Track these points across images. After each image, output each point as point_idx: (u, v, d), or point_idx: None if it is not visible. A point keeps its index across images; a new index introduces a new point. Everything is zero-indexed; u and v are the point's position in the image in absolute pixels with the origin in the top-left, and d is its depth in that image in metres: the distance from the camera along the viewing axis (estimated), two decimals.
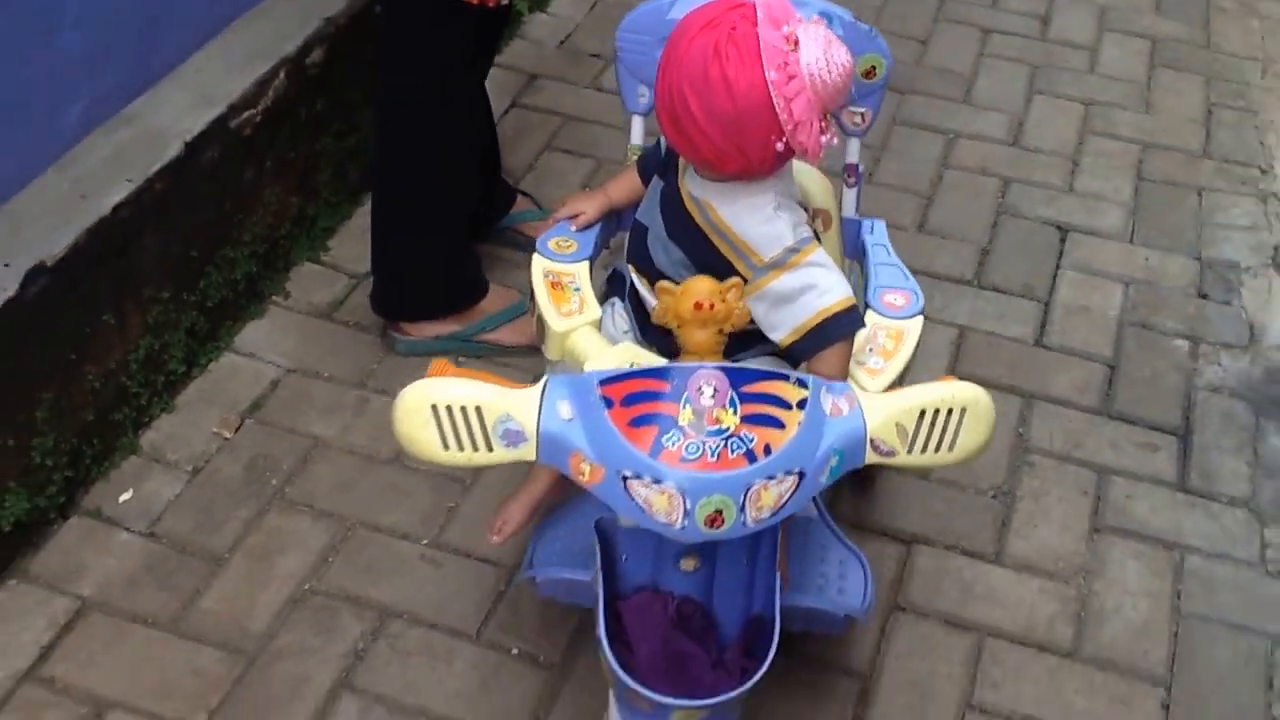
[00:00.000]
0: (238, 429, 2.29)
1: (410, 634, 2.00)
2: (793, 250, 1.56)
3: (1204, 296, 2.68)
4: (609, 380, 1.35)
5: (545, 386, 1.36)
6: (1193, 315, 2.64)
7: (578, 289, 1.72)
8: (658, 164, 1.75)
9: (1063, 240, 2.80)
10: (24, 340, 1.96)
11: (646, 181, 1.79)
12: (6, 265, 1.94)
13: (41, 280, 1.96)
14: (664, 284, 1.49)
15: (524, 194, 2.72)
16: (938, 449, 1.38)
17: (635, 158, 1.90)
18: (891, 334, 1.68)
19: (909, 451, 1.37)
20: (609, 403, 1.34)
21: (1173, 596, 2.12)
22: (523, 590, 2.05)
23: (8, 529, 2.00)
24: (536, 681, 1.94)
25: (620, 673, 1.38)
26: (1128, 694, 1.98)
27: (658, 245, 1.66)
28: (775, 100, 1.42)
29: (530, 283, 1.75)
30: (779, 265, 1.54)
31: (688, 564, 1.50)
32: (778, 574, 1.49)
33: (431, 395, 1.33)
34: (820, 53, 1.44)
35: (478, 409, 1.33)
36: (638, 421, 1.32)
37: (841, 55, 1.46)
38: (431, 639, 2.00)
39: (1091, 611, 2.09)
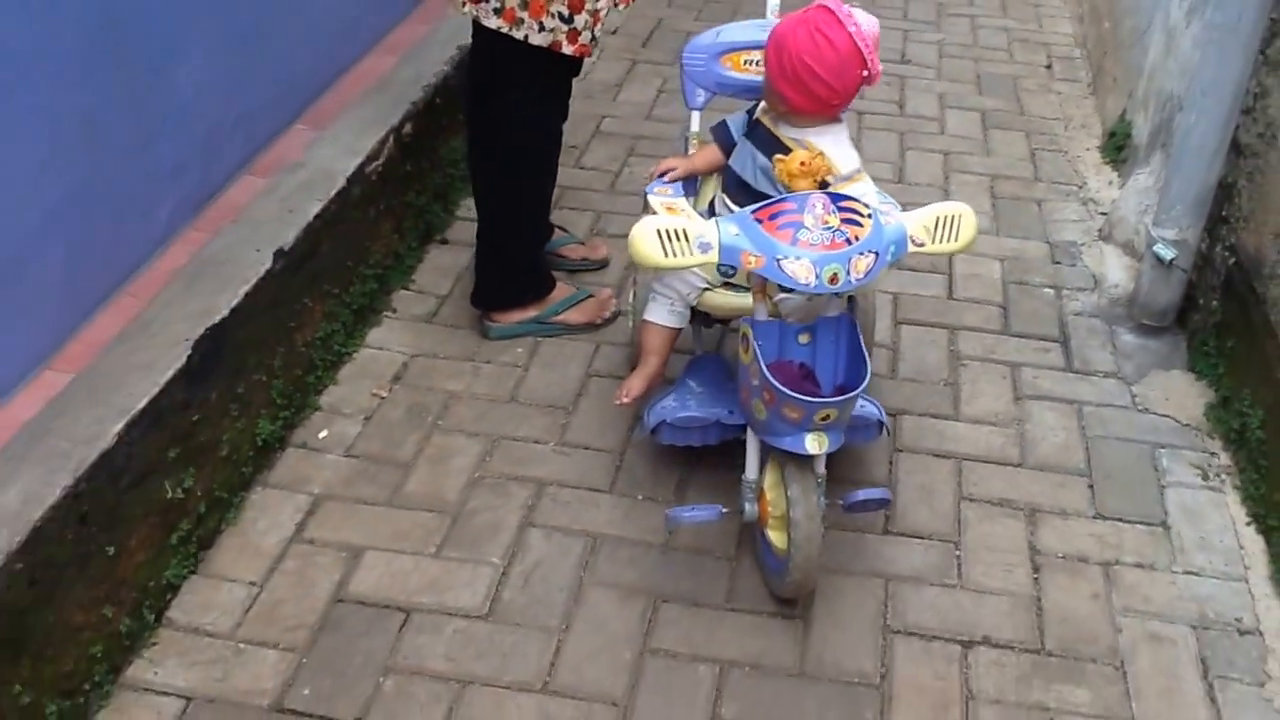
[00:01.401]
0: (390, 391, 3.04)
1: (563, 493, 2.76)
2: (857, 169, 2.47)
3: (1057, 263, 3.69)
4: (757, 209, 2.22)
5: (717, 221, 2.22)
6: (1052, 274, 3.63)
7: (683, 209, 2.59)
8: (730, 135, 2.65)
9: None
10: (272, 305, 2.72)
11: (726, 150, 2.67)
12: (258, 251, 2.71)
13: (281, 261, 2.74)
14: (778, 155, 2.38)
15: (559, 227, 3.57)
16: (950, 240, 2.27)
17: (697, 141, 2.81)
18: None
19: (933, 242, 2.27)
20: (760, 221, 2.20)
21: (1080, 429, 3.02)
22: (635, 461, 2.85)
23: (260, 445, 2.71)
24: (660, 514, 2.71)
25: (785, 390, 2.21)
26: (1063, 481, 2.86)
27: (762, 178, 2.51)
28: (858, 43, 2.35)
29: (648, 209, 2.61)
30: (849, 177, 2.45)
31: (804, 337, 2.35)
32: (865, 354, 2.34)
33: (656, 224, 2.16)
34: (865, 17, 2.39)
35: (684, 231, 2.17)
36: (781, 227, 2.18)
37: (872, 18, 2.41)
38: (579, 495, 2.76)
39: (1027, 440, 2.98)
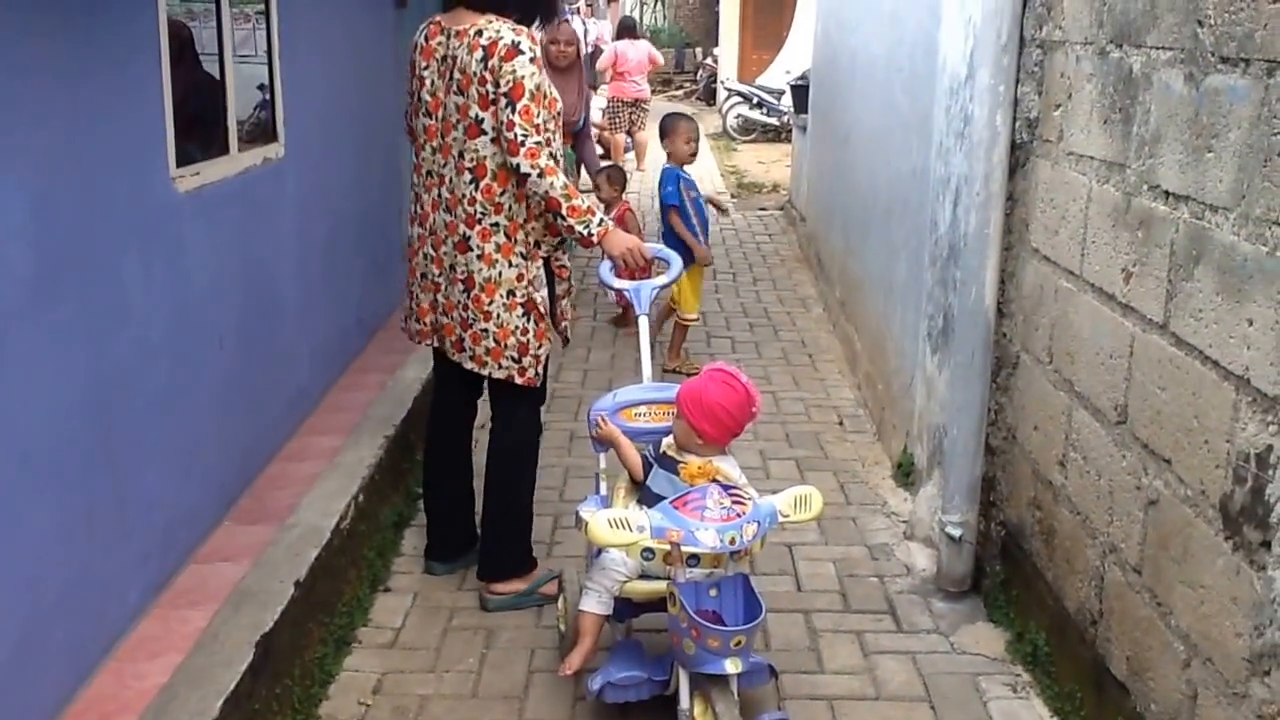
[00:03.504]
0: (373, 700, 3.73)
1: None
2: (746, 483, 3.45)
3: (876, 559, 4.69)
4: (673, 499, 3.15)
5: (646, 512, 3.13)
6: (874, 567, 4.62)
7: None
8: (650, 465, 3.60)
9: (791, 551, 4.75)
10: (293, 625, 3.44)
11: (645, 474, 3.61)
12: (281, 582, 3.46)
13: (299, 590, 3.49)
14: (681, 465, 3.33)
15: None
16: (806, 511, 3.24)
17: (606, 477, 3.77)
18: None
19: (795, 513, 3.22)
20: (676, 508, 3.13)
21: (916, 670, 3.91)
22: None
23: None
24: None
25: (710, 625, 3.05)
26: (911, 706, 3.71)
27: (679, 491, 3.45)
28: (750, 391, 3.38)
29: (579, 521, 3.50)
30: (742, 486, 3.42)
31: (713, 592, 3.22)
32: (759, 599, 3.22)
33: (606, 515, 3.07)
34: (746, 376, 3.44)
35: (626, 519, 3.07)
36: (691, 510, 3.11)
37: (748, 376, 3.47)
38: None
39: (878, 681, 3.85)
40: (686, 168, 7.12)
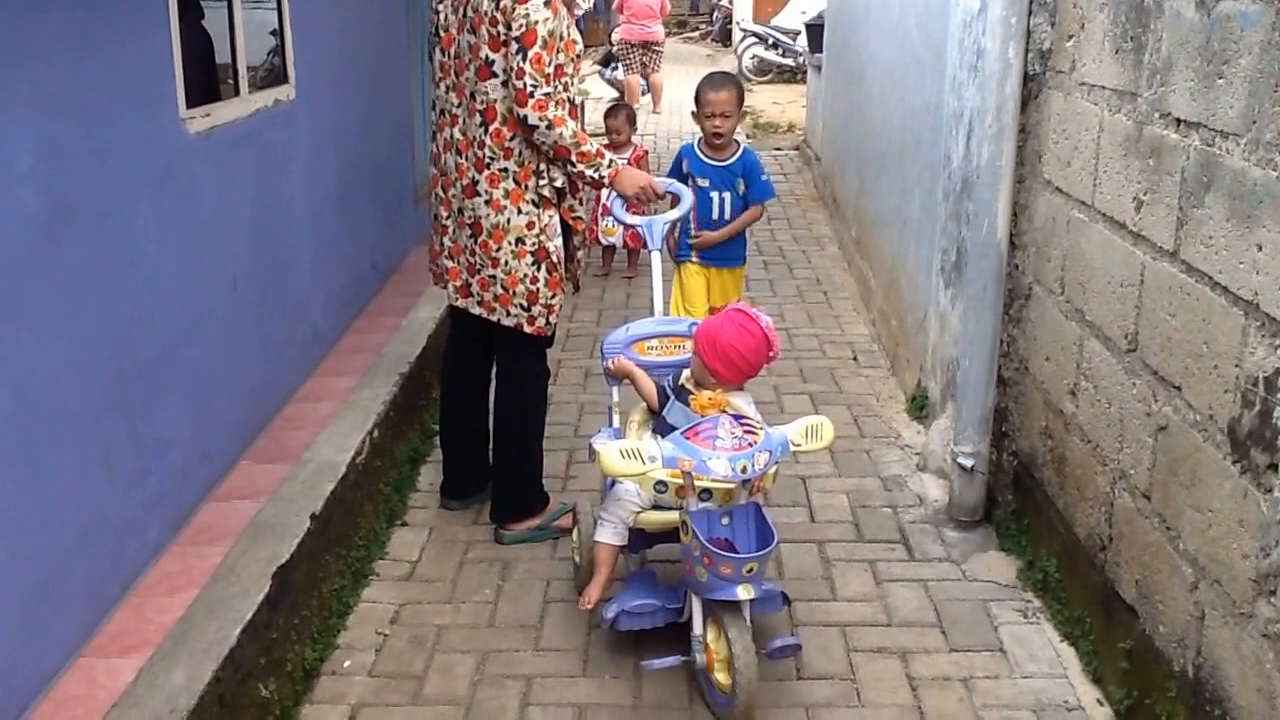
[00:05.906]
0: (391, 630, 3.79)
1: (547, 682, 3.52)
2: (758, 414, 3.47)
3: (889, 490, 4.72)
4: (684, 430, 3.18)
5: (658, 442, 3.16)
6: (887, 498, 4.65)
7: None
8: (667, 397, 3.62)
9: (804, 482, 4.79)
10: (309, 557, 3.49)
11: (660, 403, 3.64)
12: (297, 516, 3.52)
13: (315, 523, 3.54)
14: (692, 395, 3.35)
15: None
16: (817, 440, 3.26)
17: (619, 410, 3.79)
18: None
19: (806, 443, 3.25)
20: (688, 438, 3.15)
21: (928, 597, 3.94)
22: (597, 654, 3.64)
23: (305, 669, 3.42)
24: (626, 686, 3.50)
25: (721, 553, 3.09)
26: (922, 632, 3.75)
27: (692, 422, 3.47)
28: (768, 334, 3.39)
29: (593, 454, 3.53)
30: (758, 419, 3.44)
31: (724, 520, 3.26)
32: (771, 527, 3.26)
33: (618, 445, 3.10)
34: (768, 319, 3.44)
35: (637, 450, 3.10)
36: (703, 440, 3.14)
37: (767, 317, 3.46)
38: (560, 681, 3.53)
39: (890, 609, 3.88)
40: (752, 148, 5.54)
